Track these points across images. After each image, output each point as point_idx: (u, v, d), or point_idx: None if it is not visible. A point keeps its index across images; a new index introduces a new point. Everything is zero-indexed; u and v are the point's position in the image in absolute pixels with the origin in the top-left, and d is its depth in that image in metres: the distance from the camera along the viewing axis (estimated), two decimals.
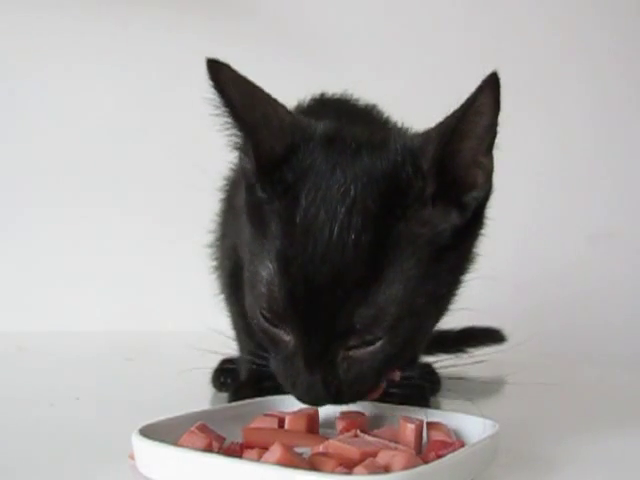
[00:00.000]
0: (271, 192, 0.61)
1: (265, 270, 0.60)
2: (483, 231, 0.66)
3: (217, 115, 0.61)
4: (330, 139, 0.63)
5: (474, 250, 0.67)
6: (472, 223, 0.63)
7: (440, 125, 0.60)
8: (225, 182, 0.90)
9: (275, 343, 0.62)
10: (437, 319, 0.66)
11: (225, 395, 0.85)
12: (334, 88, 0.86)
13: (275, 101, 0.64)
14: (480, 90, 0.57)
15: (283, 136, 0.62)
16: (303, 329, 0.59)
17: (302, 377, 0.60)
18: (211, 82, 0.60)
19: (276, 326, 0.61)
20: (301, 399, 0.62)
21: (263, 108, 0.62)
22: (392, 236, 0.58)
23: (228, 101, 0.60)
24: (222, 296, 0.93)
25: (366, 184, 0.59)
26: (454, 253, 0.62)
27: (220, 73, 0.60)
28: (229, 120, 0.61)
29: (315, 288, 0.57)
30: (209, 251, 0.95)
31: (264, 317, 0.61)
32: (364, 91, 0.85)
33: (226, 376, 0.91)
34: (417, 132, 0.65)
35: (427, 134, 0.62)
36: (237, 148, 0.65)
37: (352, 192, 0.59)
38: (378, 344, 0.59)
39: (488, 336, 1.10)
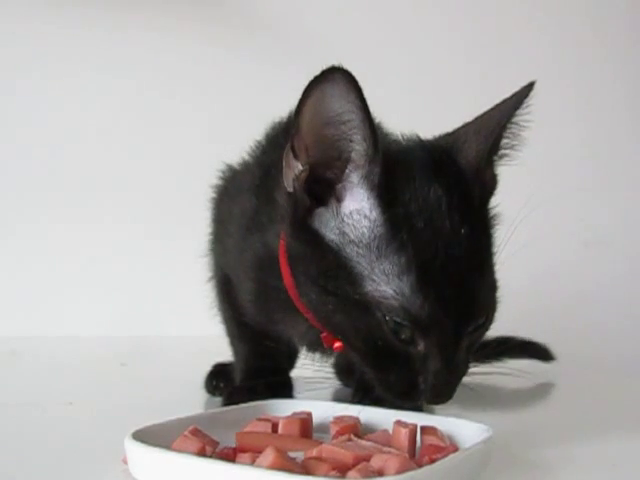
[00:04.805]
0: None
1: (394, 286, 0.58)
2: None
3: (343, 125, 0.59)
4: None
5: None
6: None
7: None
8: (214, 191, 0.89)
9: (399, 357, 0.60)
10: None
11: (218, 399, 0.85)
12: None
13: None
14: None
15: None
16: (449, 330, 0.59)
17: (439, 378, 0.60)
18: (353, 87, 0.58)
19: (406, 340, 0.60)
20: (433, 399, 0.61)
21: None
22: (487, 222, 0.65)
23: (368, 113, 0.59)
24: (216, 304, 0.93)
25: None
26: None
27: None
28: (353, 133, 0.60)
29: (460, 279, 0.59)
30: (205, 260, 0.94)
31: (392, 333, 0.59)
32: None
33: (219, 380, 0.91)
34: None
35: None
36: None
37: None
38: (485, 324, 0.62)
39: (531, 351, 1.05)
